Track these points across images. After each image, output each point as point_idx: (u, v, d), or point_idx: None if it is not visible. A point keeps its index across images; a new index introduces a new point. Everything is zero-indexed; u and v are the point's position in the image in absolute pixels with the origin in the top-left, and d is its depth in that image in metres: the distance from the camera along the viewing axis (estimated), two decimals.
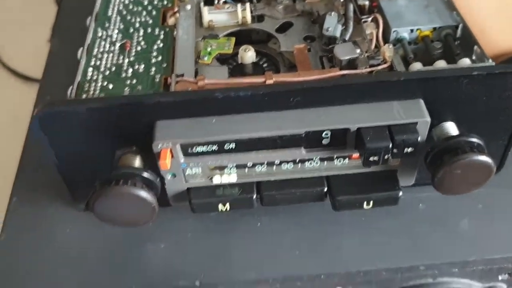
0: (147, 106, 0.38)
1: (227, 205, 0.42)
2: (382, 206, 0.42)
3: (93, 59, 0.46)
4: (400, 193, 0.41)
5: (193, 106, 0.38)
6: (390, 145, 0.37)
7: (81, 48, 0.47)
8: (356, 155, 0.40)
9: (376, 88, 0.38)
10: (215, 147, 0.39)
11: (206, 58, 0.47)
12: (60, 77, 0.47)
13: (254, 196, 0.42)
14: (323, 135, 0.39)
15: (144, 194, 0.38)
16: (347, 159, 0.41)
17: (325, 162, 0.41)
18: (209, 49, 0.48)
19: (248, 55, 0.46)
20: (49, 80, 0.59)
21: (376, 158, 0.38)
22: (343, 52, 0.43)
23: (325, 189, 0.41)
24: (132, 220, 0.40)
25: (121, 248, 0.45)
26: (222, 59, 0.47)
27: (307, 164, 0.41)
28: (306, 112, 0.39)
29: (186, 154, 0.40)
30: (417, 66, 0.42)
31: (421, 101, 0.39)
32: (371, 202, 0.41)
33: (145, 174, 0.39)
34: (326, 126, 0.38)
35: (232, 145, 0.39)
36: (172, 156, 0.39)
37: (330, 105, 0.39)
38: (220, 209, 0.42)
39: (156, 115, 0.39)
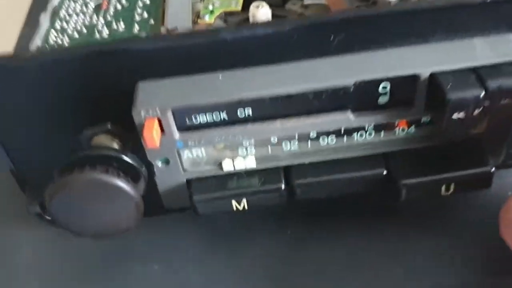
0: (125, 55, 0.26)
1: (244, 201, 0.29)
2: (468, 190, 0.29)
3: (58, 22, 0.35)
4: (493, 169, 0.29)
5: (190, 57, 0.27)
6: (483, 94, 0.25)
7: (43, 12, 0.36)
8: (426, 118, 0.28)
9: (452, 17, 0.26)
10: (223, 115, 0.27)
11: (207, 18, 0.36)
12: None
13: (283, 187, 0.29)
14: (380, 88, 0.27)
15: (121, 183, 0.26)
16: (413, 127, 0.29)
17: (382, 132, 0.29)
18: (211, 6, 0.37)
19: (262, 12, 0.35)
20: None
21: (462, 115, 0.26)
22: None
23: (384, 172, 0.29)
24: (107, 227, 0.27)
25: (98, 272, 0.32)
26: (227, 20, 0.36)
27: (356, 136, 0.29)
28: (353, 57, 0.27)
29: (182, 127, 0.28)
30: None
31: None
32: (452, 186, 0.29)
33: (124, 157, 0.27)
34: (384, 73, 0.26)
35: (248, 111, 0.27)
36: (163, 131, 0.27)
37: (387, 46, 0.27)
38: (234, 208, 0.29)
39: (139, 72, 0.27)
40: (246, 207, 0.29)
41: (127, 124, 0.27)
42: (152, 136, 0.26)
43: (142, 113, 0.26)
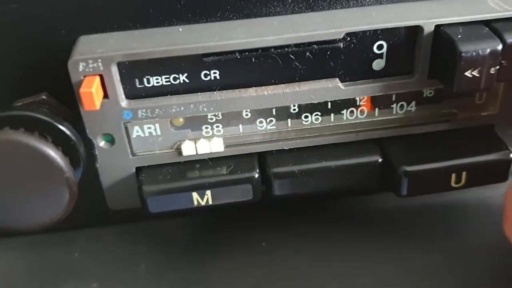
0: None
1: (208, 195, 0.23)
2: (482, 182, 0.24)
3: None
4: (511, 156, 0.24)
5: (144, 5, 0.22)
6: (500, 46, 0.21)
7: None
8: (429, 91, 0.24)
9: None
10: (183, 78, 0.22)
11: None
12: None
13: (256, 176, 0.24)
14: (375, 48, 0.22)
15: (48, 149, 0.20)
16: (413, 103, 0.24)
17: (377, 110, 0.24)
18: None
19: None
20: None
21: (476, 72, 0.21)
22: None
23: (380, 159, 0.24)
24: (29, 213, 0.21)
25: None
26: None
27: (346, 114, 0.24)
28: (346, 11, 0.22)
29: (131, 93, 0.22)
30: None
31: None
32: (463, 175, 0.23)
33: (56, 123, 0.21)
34: (381, 24, 0.22)
35: (215, 74, 0.22)
36: (106, 95, 0.22)
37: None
38: (195, 203, 0.23)
39: (80, 23, 0.22)
40: (210, 201, 0.23)
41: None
42: (90, 94, 0.20)
43: (80, 67, 0.21)
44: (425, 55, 0.22)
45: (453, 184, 0.23)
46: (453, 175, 0.23)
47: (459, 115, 0.24)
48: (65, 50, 0.21)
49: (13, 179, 0.20)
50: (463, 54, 0.20)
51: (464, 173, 0.23)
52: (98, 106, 0.21)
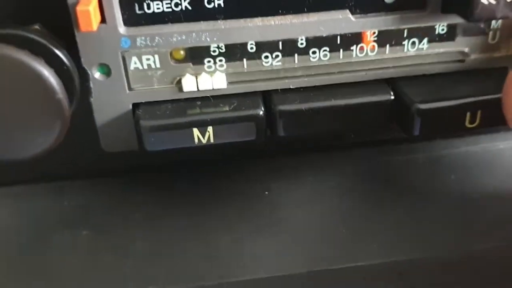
0: None
1: (209, 132, 0.22)
2: (497, 122, 0.23)
3: None
4: None
5: None
6: None
7: None
8: (442, 27, 0.22)
9: None
10: (185, 3, 0.21)
11: None
12: None
13: (261, 113, 0.22)
14: None
15: (39, 66, 0.18)
16: (425, 40, 0.23)
17: (388, 47, 0.23)
18: None
19: None
20: None
21: None
22: None
23: (391, 97, 0.23)
24: (17, 138, 0.19)
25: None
26: None
27: (355, 50, 0.23)
28: None
29: (130, 20, 0.21)
30: None
31: None
32: (478, 114, 0.22)
33: (49, 45, 0.19)
34: None
35: (219, 0, 0.21)
36: (103, 20, 0.20)
37: None
38: (196, 140, 0.22)
39: None
40: (211, 139, 0.22)
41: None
42: (87, 12, 0.19)
43: None
44: None
45: (467, 124, 0.22)
46: (468, 114, 0.22)
47: (471, 55, 0.23)
48: None
49: (4, 97, 0.18)
50: None
51: (479, 112, 0.22)
52: (95, 27, 0.19)
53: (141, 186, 0.25)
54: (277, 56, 0.22)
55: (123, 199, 0.24)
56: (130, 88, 0.22)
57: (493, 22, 0.23)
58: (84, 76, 0.21)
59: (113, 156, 0.23)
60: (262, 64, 0.22)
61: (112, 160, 0.24)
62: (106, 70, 0.21)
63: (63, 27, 0.20)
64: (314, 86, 0.23)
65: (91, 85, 0.21)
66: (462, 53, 0.23)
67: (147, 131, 0.22)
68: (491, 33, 0.23)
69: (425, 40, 0.23)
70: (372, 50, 0.23)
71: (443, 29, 0.23)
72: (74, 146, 0.24)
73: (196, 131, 0.22)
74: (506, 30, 0.23)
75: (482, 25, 0.23)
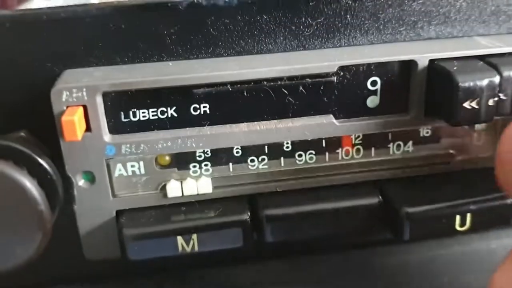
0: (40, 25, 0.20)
1: (194, 239, 0.21)
2: (489, 226, 0.22)
3: None
4: None
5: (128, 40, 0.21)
6: (498, 79, 0.20)
7: None
8: (425, 130, 0.23)
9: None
10: (171, 111, 0.21)
11: None
12: None
13: (247, 218, 0.22)
14: (369, 84, 0.22)
15: (18, 176, 0.18)
16: (410, 143, 0.23)
17: (373, 150, 0.23)
18: None
19: None
20: None
21: (475, 104, 0.20)
22: None
23: (378, 200, 0.22)
24: None
25: None
26: None
27: (341, 153, 0.23)
28: (338, 49, 0.22)
29: (115, 128, 0.21)
30: None
31: None
32: (468, 217, 0.22)
33: (34, 155, 0.19)
34: (374, 58, 0.21)
35: (205, 108, 0.21)
36: (88, 129, 0.20)
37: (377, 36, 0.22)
38: (180, 249, 0.21)
39: (64, 58, 0.21)
40: (196, 247, 0.21)
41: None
42: (72, 122, 0.19)
43: (64, 96, 0.19)
44: (420, 92, 0.22)
45: (457, 228, 0.22)
46: (458, 217, 0.22)
47: (457, 156, 0.23)
48: (48, 84, 0.21)
49: None
50: (460, 84, 0.20)
51: (468, 215, 0.22)
52: (79, 137, 0.19)
53: None
54: (263, 159, 0.22)
55: None
56: (114, 195, 0.22)
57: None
58: (68, 182, 0.21)
59: (96, 261, 0.23)
60: (248, 168, 0.22)
61: (95, 266, 0.23)
62: (91, 177, 0.21)
63: (49, 134, 0.21)
64: (301, 189, 0.23)
65: (75, 192, 0.21)
66: (448, 154, 0.23)
67: (130, 239, 0.21)
68: (475, 134, 0.24)
69: (410, 143, 0.23)
70: (358, 153, 0.23)
71: (427, 132, 0.23)
72: (56, 252, 0.23)
73: (180, 239, 0.21)
74: (491, 131, 0.24)
75: (466, 127, 0.23)
